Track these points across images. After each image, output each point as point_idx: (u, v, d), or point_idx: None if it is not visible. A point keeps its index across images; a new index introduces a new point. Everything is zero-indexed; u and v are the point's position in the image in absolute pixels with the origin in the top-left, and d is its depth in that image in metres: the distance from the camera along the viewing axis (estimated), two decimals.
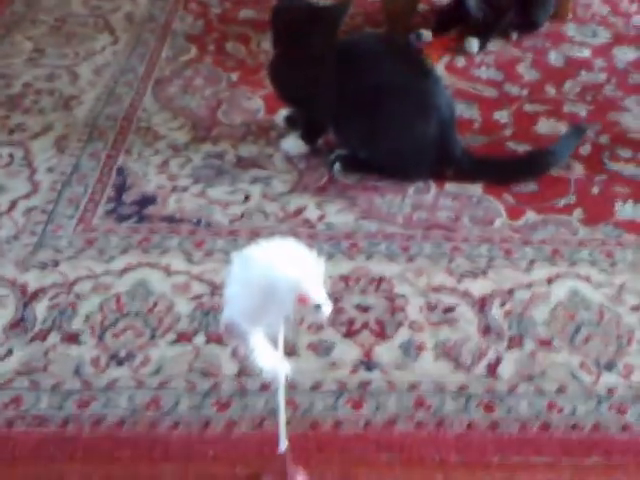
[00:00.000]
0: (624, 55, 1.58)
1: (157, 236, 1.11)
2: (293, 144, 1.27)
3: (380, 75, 1.16)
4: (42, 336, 0.94)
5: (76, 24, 1.68)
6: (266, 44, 1.60)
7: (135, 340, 0.94)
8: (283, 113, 1.32)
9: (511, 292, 1.01)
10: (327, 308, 0.76)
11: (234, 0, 1.80)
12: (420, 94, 1.17)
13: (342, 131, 1.23)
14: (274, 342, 0.80)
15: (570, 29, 1.67)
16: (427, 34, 1.57)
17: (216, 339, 0.94)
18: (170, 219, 1.14)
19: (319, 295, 0.75)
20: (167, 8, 1.75)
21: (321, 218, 1.15)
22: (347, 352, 0.94)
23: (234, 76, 1.50)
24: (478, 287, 1.02)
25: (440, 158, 1.20)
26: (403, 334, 0.96)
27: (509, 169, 1.24)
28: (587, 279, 1.04)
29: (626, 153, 1.28)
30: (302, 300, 0.74)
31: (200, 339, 0.95)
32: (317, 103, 1.20)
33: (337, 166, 1.24)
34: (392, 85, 1.16)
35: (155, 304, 0.99)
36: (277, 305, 0.74)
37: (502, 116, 1.38)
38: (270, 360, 0.77)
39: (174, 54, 1.57)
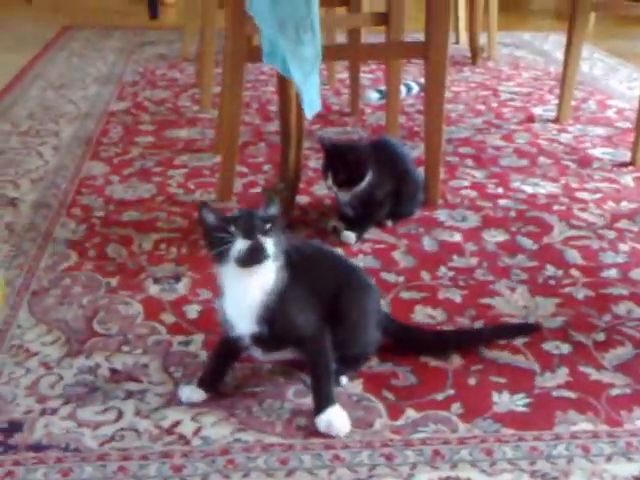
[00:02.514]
0: (493, 238, 1.66)
1: (22, 468, 1.03)
2: (191, 393, 1.18)
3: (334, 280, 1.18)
4: None
5: None
6: (148, 244, 1.63)
7: None
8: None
9: None
10: None
11: (118, 201, 1.84)
12: (364, 286, 1.22)
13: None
14: None
15: (441, 214, 1.76)
16: None
17: None
18: (36, 447, 1.07)
19: None
20: (50, 215, 1.75)
21: (197, 432, 1.10)
22: None
23: (113, 281, 1.48)
24: None
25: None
26: None
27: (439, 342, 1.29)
28: None
29: (501, 340, 1.31)
30: None
31: None
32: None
33: None
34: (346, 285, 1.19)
35: None
36: None
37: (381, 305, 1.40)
38: None
39: (53, 262, 1.55)
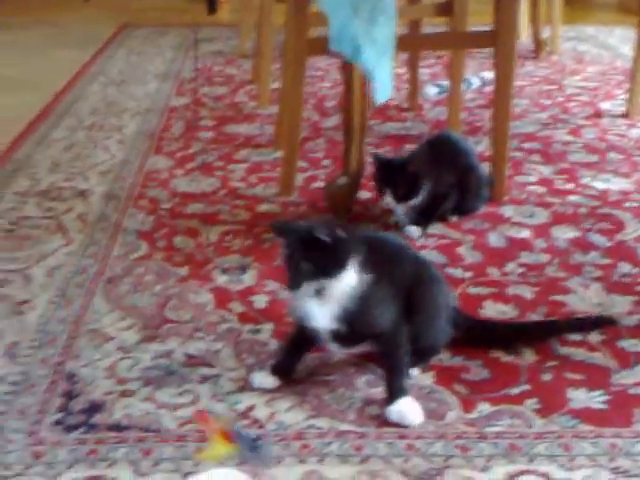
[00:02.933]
0: (563, 234, 1.63)
1: (104, 447, 1.06)
2: (263, 379, 1.20)
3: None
4: None
5: (29, 227, 1.71)
6: (214, 236, 1.65)
7: None
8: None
9: None
10: None
11: (183, 194, 1.87)
12: (435, 279, 1.21)
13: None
14: None
15: (507, 210, 1.74)
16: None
17: None
18: (117, 427, 1.10)
19: None
20: (119, 207, 1.80)
21: (271, 417, 1.12)
22: None
23: (183, 271, 1.51)
24: None
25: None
26: None
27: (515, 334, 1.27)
28: (546, 477, 0.99)
29: (576, 336, 1.28)
30: None
31: None
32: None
33: None
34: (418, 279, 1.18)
35: None
36: None
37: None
38: None
39: (125, 252, 1.59)
